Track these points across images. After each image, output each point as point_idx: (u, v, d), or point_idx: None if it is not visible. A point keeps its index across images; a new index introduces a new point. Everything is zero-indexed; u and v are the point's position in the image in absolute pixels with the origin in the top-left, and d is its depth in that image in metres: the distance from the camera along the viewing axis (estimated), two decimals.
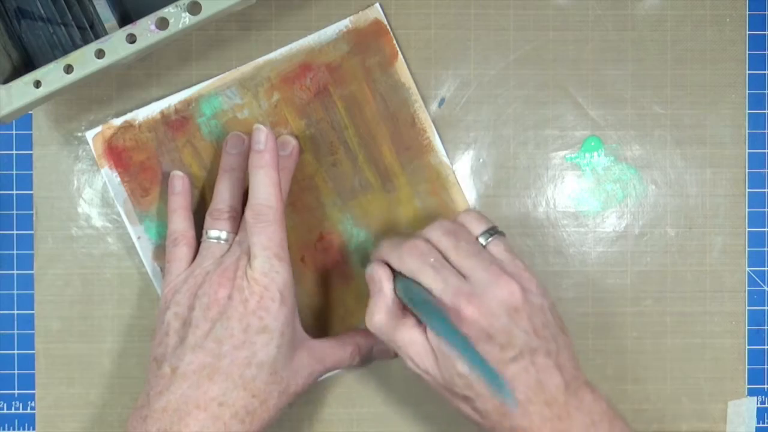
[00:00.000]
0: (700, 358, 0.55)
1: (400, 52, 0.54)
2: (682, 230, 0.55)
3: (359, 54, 0.54)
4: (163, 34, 0.45)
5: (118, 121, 0.54)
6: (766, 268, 0.55)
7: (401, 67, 0.54)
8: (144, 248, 0.54)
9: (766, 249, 0.55)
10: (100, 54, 0.45)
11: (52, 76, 0.45)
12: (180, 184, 0.52)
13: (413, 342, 0.46)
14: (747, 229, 0.55)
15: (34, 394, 0.54)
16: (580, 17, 0.55)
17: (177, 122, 0.54)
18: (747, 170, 0.55)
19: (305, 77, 0.54)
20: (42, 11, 0.50)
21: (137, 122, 0.54)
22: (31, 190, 0.54)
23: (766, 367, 0.55)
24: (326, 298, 0.54)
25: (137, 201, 0.54)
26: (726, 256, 0.55)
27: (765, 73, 0.55)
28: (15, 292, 0.54)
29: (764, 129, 0.55)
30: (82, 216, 0.54)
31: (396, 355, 0.48)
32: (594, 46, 0.55)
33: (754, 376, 0.55)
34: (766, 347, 0.55)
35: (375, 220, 0.54)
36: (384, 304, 0.47)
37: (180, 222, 0.51)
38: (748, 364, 0.55)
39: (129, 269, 0.54)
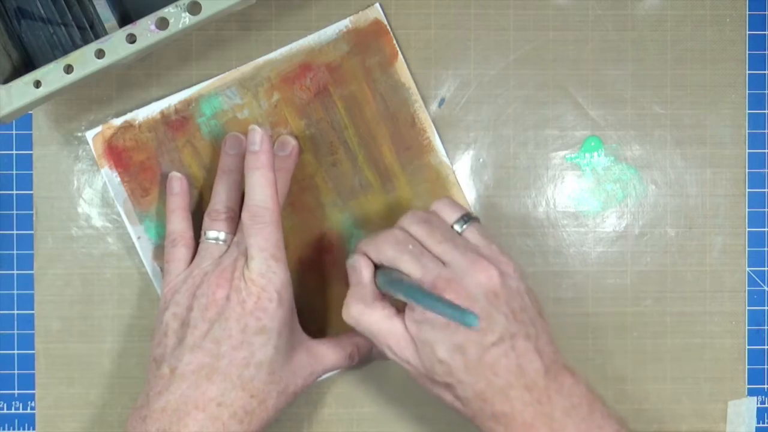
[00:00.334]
0: (700, 358, 0.55)
1: (400, 52, 0.54)
2: (682, 230, 0.55)
3: (359, 54, 0.54)
4: (163, 34, 0.45)
5: (118, 121, 0.54)
6: (766, 268, 0.55)
7: (401, 67, 0.54)
8: (144, 248, 0.54)
9: (766, 249, 0.55)
10: (100, 54, 0.45)
11: (52, 76, 0.45)
12: (178, 185, 0.52)
13: (392, 332, 0.46)
14: (747, 229, 0.55)
15: (34, 394, 0.54)
16: (580, 17, 0.55)
17: (177, 122, 0.54)
18: (747, 170, 0.55)
19: (305, 77, 0.54)
20: (42, 11, 0.50)
21: (137, 122, 0.54)
22: (31, 190, 0.54)
23: (766, 367, 0.55)
24: (326, 298, 0.54)
25: (137, 201, 0.54)
26: (726, 256, 0.55)
27: (765, 73, 0.55)
28: (15, 292, 0.54)
29: (764, 129, 0.55)
30: (82, 216, 0.54)
31: None
32: (594, 46, 0.55)
33: (754, 376, 0.55)
34: (766, 347, 0.55)
35: (375, 220, 0.54)
36: (362, 294, 0.47)
37: (178, 222, 0.51)
38: (748, 364, 0.55)
39: (129, 269, 0.54)
